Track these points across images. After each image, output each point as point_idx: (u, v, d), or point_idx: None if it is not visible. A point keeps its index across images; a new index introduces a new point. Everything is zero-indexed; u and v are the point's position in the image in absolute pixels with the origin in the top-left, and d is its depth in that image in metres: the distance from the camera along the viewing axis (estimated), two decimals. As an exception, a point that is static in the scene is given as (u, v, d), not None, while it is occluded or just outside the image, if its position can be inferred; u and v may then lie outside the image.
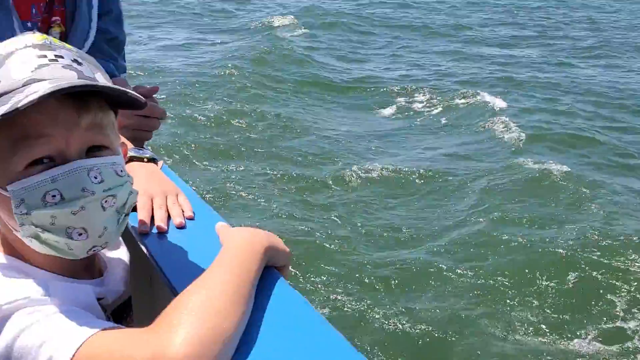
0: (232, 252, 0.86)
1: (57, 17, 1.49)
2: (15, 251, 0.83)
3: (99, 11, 1.56)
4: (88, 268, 0.90)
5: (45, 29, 1.46)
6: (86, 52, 1.26)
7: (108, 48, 1.61)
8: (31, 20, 1.45)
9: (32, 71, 0.76)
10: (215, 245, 0.92)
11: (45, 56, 0.77)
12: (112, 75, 1.41)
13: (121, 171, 0.83)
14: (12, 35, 1.17)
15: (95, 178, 0.78)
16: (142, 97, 0.84)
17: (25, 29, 1.39)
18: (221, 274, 0.80)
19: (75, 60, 0.80)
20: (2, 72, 0.76)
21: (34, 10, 1.46)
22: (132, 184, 0.85)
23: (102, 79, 0.83)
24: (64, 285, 0.81)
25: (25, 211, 0.76)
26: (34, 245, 0.79)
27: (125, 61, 1.71)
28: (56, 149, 0.77)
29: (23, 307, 0.74)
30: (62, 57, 0.79)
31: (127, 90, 0.83)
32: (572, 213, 6.03)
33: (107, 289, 0.90)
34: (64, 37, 1.49)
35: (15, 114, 0.73)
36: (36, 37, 0.81)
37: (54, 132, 0.77)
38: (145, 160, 1.18)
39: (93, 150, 0.80)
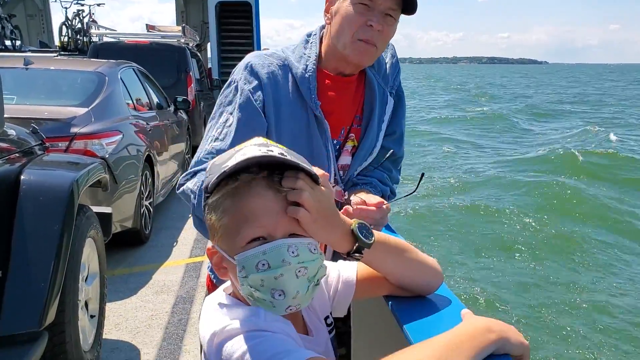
0: (453, 332, 0.98)
1: (352, 134, 1.77)
2: (241, 302, 1.08)
3: (385, 132, 1.82)
4: (296, 324, 1.10)
5: (344, 144, 1.76)
6: (368, 164, 1.79)
7: (387, 162, 1.86)
8: (338, 139, 1.75)
9: (247, 158, 0.99)
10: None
11: (260, 149, 1.01)
12: (383, 183, 1.80)
13: (314, 249, 1.04)
14: (326, 148, 1.69)
15: (293, 253, 1.00)
16: (316, 174, 1.05)
17: (332, 144, 1.71)
18: (426, 348, 0.93)
19: (281, 153, 1.01)
20: (231, 160, 1.01)
21: (342, 131, 1.76)
22: (323, 260, 1.06)
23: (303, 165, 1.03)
24: (280, 322, 1.02)
25: (244, 275, 1.01)
26: (250, 301, 1.03)
27: (399, 174, 1.96)
28: (267, 232, 1.01)
29: (250, 330, 0.98)
30: (272, 150, 1.01)
31: (301, 163, 1.02)
32: None
33: (311, 346, 1.11)
34: (354, 150, 1.77)
35: (238, 202, 1.01)
36: (259, 139, 1.07)
37: (267, 220, 1.01)
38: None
39: (293, 235, 1.03)
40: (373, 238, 1.16)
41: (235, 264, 1.02)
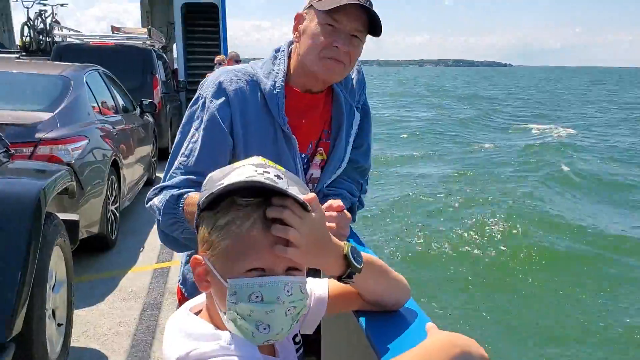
0: (420, 349, 1.04)
1: (321, 148, 1.83)
2: (213, 320, 1.07)
3: (353, 145, 1.88)
4: (263, 347, 1.10)
5: (312, 157, 1.82)
6: (337, 177, 1.86)
7: (354, 173, 1.94)
8: (306, 153, 1.80)
9: (244, 178, 1.00)
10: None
11: (256, 170, 1.02)
12: (351, 194, 1.89)
13: (304, 289, 1.05)
14: (294, 162, 1.73)
15: (288, 292, 1.01)
16: (306, 202, 1.05)
17: (300, 158, 1.76)
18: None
19: (277, 175, 1.02)
20: (227, 179, 1.01)
21: (310, 145, 1.81)
22: (307, 299, 1.08)
23: (294, 191, 1.03)
24: (247, 347, 1.02)
25: (234, 301, 1.00)
26: (229, 325, 1.03)
27: (367, 184, 2.03)
28: (267, 265, 1.01)
29: (216, 355, 0.99)
30: (268, 172, 1.02)
31: (288, 192, 1.02)
32: None
33: None
34: (323, 163, 1.83)
35: (246, 230, 1.00)
36: (258, 159, 1.07)
37: (268, 255, 1.01)
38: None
39: (290, 269, 1.03)
40: (363, 262, 1.19)
41: (227, 287, 1.00)
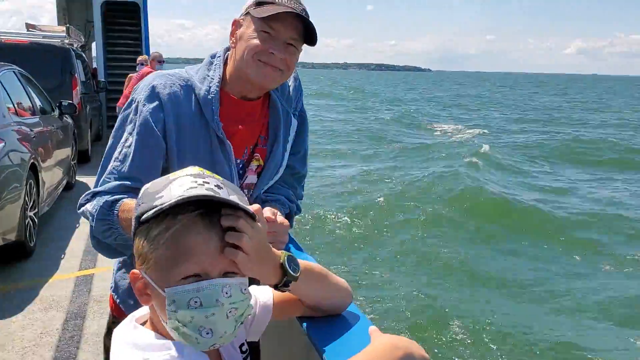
0: (365, 353, 1.08)
1: (258, 154, 1.83)
2: (159, 331, 1.07)
3: (290, 152, 1.90)
4: (211, 354, 1.10)
5: (248, 163, 1.82)
6: (275, 182, 1.86)
7: (291, 179, 1.97)
8: (241, 158, 1.80)
9: (184, 190, 1.01)
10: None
11: (196, 181, 1.03)
12: (289, 200, 1.91)
13: (244, 289, 1.05)
14: (229, 168, 1.71)
15: (227, 293, 1.01)
16: (255, 214, 1.09)
17: (235, 164, 1.74)
18: None
19: (217, 185, 1.04)
20: (166, 191, 1.02)
21: (245, 151, 1.80)
22: (250, 299, 1.07)
23: (234, 199, 1.04)
24: (196, 355, 1.03)
25: (174, 309, 1.00)
26: (173, 334, 1.02)
27: (303, 190, 2.05)
28: (203, 270, 1.01)
29: None
30: (208, 182, 1.03)
31: (240, 205, 1.05)
32: None
33: None
34: (260, 169, 1.84)
35: (177, 238, 1.00)
36: (195, 169, 1.08)
37: (204, 258, 1.01)
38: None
39: (228, 274, 1.04)
40: (299, 270, 1.23)
41: (165, 296, 1.00)
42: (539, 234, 11.09)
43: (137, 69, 10.05)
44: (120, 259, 1.81)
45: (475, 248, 10.09)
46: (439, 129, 29.82)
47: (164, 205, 1.00)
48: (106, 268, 4.97)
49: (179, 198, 0.99)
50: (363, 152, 21.23)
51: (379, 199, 13.07)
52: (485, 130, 28.25)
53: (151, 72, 9.30)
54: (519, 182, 16.14)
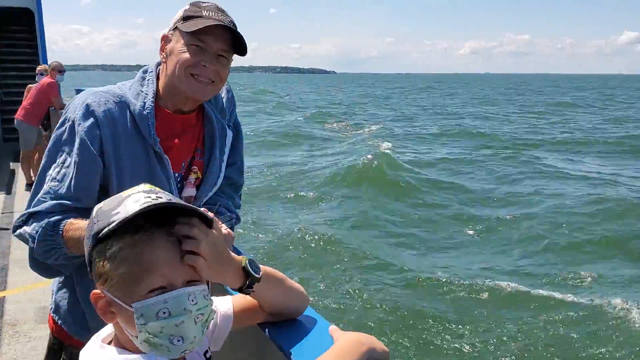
0: (332, 352, 1.15)
1: (195, 167, 1.86)
2: (126, 348, 1.09)
3: (227, 163, 1.94)
4: None
5: (186, 176, 1.85)
6: (212, 194, 1.91)
7: (229, 190, 2.02)
8: (179, 172, 1.83)
9: (140, 205, 1.04)
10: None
11: (150, 197, 1.07)
12: (228, 210, 1.96)
13: (207, 295, 1.10)
14: (168, 182, 1.75)
15: (193, 301, 1.06)
16: (209, 215, 1.14)
17: (174, 178, 1.78)
18: None
19: (169, 200, 1.07)
20: (121, 207, 1.05)
21: (183, 164, 1.83)
22: (212, 304, 1.12)
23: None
24: None
25: (143, 322, 1.03)
26: (144, 347, 1.06)
27: (240, 200, 2.11)
28: (168, 282, 1.06)
29: None
30: (161, 197, 1.07)
31: (198, 209, 1.12)
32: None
33: None
34: (199, 182, 1.87)
35: (139, 253, 1.04)
36: (146, 186, 1.12)
37: (167, 270, 1.06)
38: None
39: (190, 282, 1.09)
40: (261, 272, 1.28)
41: (133, 311, 1.03)
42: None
43: (36, 79, 9.58)
44: (60, 279, 1.78)
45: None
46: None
47: (126, 217, 1.03)
48: (18, 289, 4.74)
49: (144, 206, 1.03)
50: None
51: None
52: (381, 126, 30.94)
53: (52, 82, 9.02)
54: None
